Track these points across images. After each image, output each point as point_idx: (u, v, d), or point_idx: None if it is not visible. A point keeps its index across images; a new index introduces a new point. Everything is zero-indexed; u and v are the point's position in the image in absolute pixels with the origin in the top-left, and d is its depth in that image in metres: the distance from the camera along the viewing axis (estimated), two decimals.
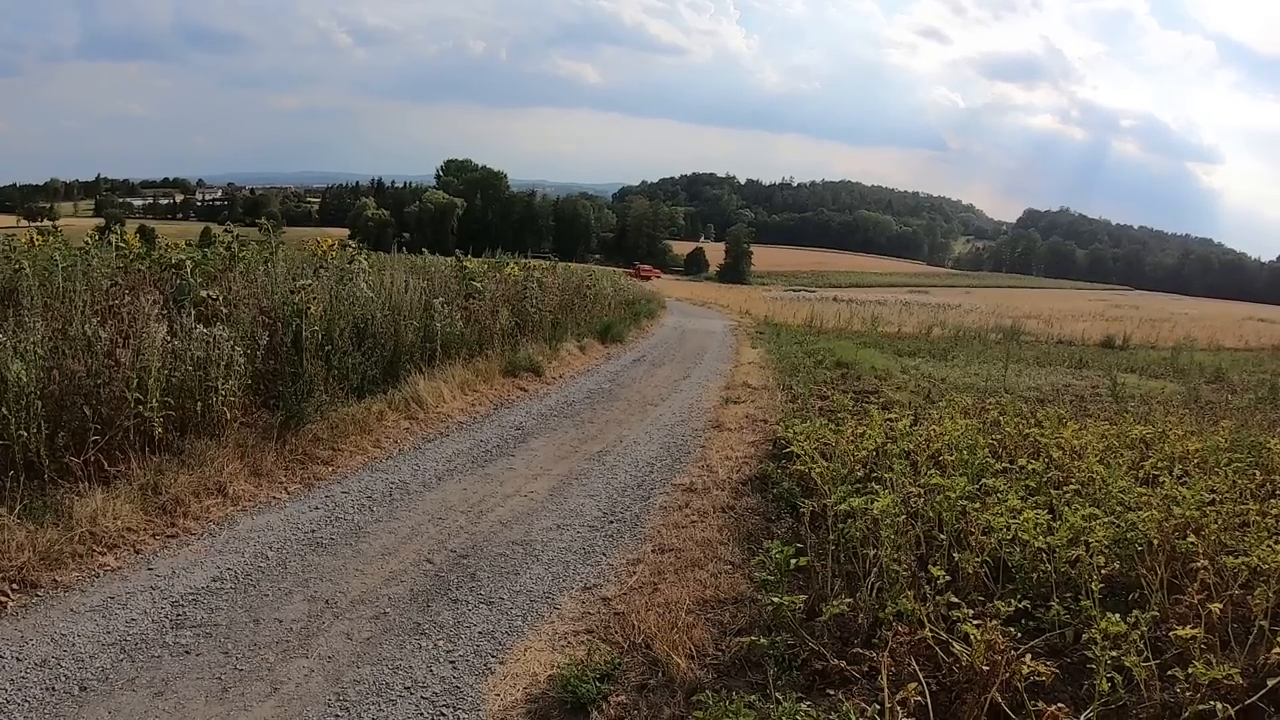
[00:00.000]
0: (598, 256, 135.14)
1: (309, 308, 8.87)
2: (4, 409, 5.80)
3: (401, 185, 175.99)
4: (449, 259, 16.95)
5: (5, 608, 4.80)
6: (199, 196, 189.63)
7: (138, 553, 5.65)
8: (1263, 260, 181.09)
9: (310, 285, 9.18)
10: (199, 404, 7.16)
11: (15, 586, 4.97)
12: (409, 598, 5.35)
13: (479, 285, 13.98)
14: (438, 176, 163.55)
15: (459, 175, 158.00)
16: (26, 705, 3.98)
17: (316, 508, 6.81)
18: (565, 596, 5.53)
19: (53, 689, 4.11)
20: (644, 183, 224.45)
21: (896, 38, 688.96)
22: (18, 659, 4.33)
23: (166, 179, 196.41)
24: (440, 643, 4.80)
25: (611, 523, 6.95)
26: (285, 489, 7.15)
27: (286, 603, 5.16)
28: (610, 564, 6.08)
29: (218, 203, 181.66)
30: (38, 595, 4.98)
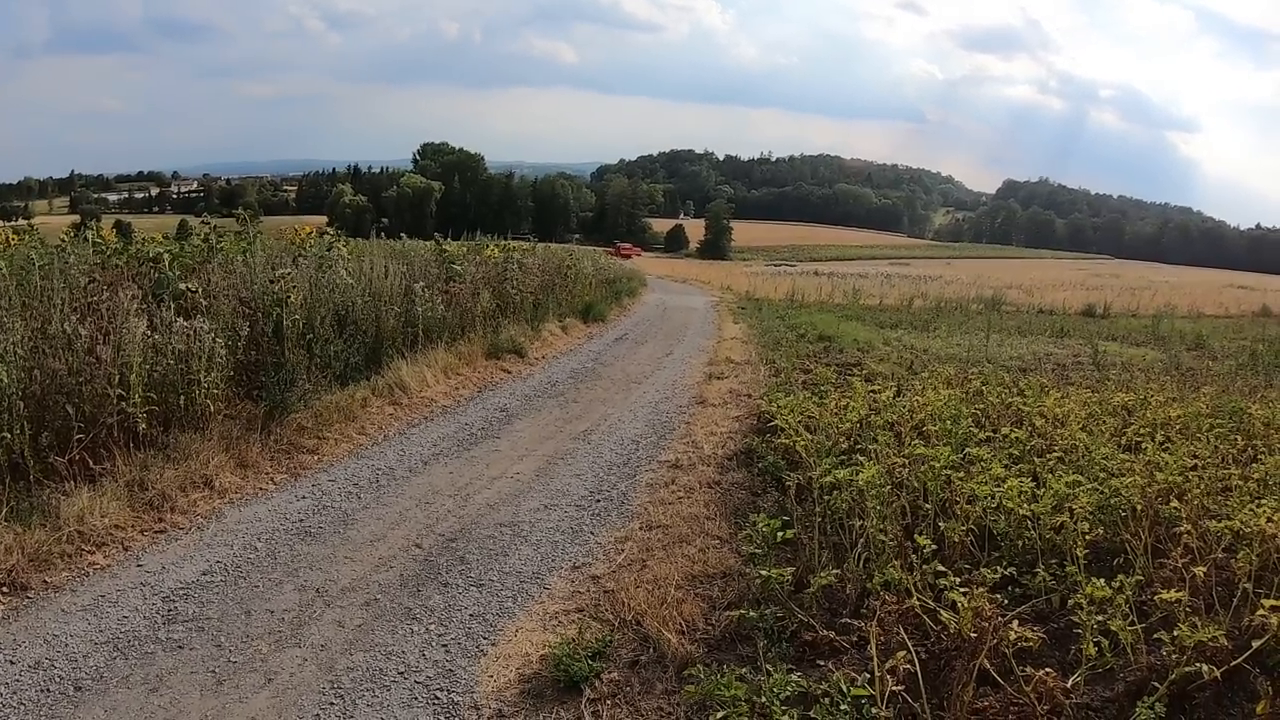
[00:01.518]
0: (577, 236, 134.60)
1: (289, 297, 8.84)
2: None
3: (378, 170, 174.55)
4: (428, 243, 16.89)
5: None
6: (175, 189, 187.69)
7: (126, 550, 5.63)
8: (1241, 228, 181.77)
9: (289, 274, 9.14)
10: (182, 398, 7.14)
11: (5, 589, 4.95)
12: (399, 583, 5.37)
13: (459, 268, 13.95)
14: (415, 160, 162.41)
15: (436, 158, 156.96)
16: (22, 708, 3.97)
17: (304, 497, 6.81)
18: (555, 576, 5.56)
19: (48, 690, 4.11)
20: (622, 161, 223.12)
21: (874, 10, 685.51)
22: (11, 662, 4.32)
23: (141, 173, 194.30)
24: (432, 627, 4.83)
25: (599, 501, 6.97)
26: (272, 479, 7.14)
27: (277, 593, 5.17)
28: (599, 542, 6.11)
29: (194, 194, 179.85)
30: (28, 597, 4.96)
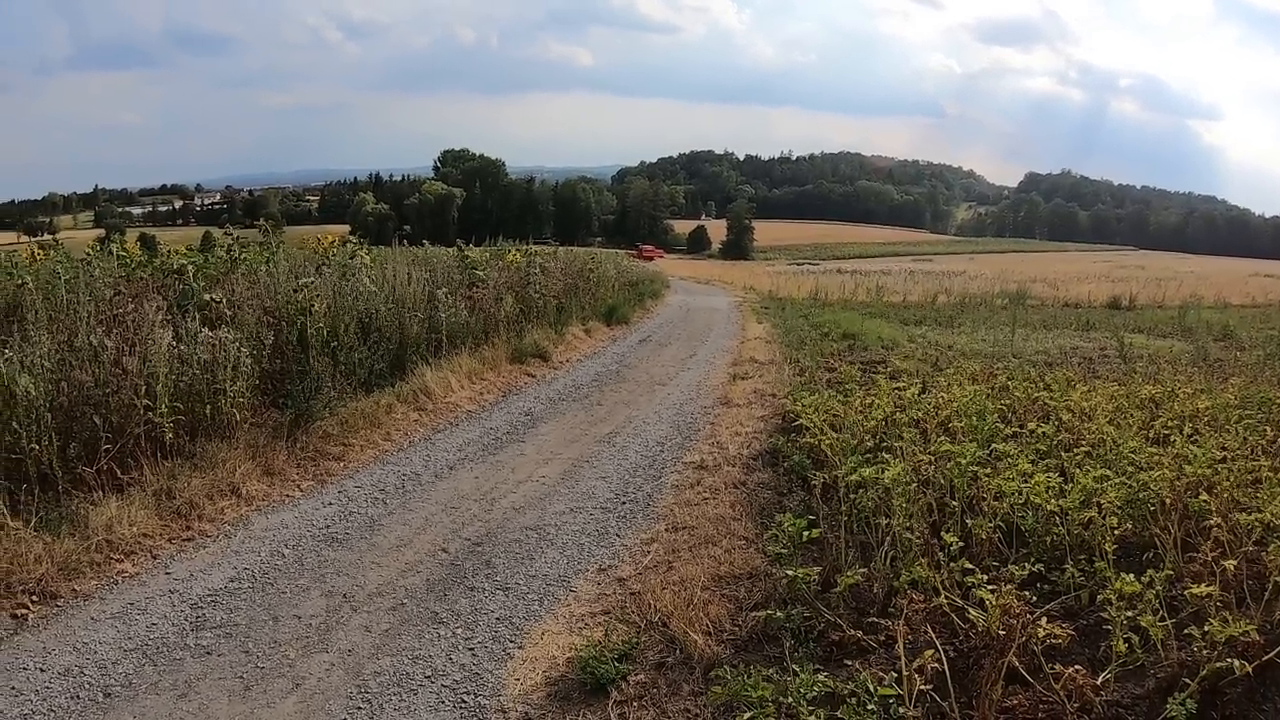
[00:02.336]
0: (599, 239, 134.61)
1: (313, 305, 8.89)
2: (14, 423, 5.84)
3: (400, 178, 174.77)
4: (450, 249, 16.92)
5: (27, 620, 4.84)
6: (198, 201, 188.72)
7: (155, 558, 5.68)
8: (1266, 216, 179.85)
9: (313, 283, 9.20)
10: (208, 407, 7.19)
11: (35, 598, 5.01)
12: (426, 588, 5.38)
13: (482, 274, 14.00)
14: (436, 168, 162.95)
15: (457, 165, 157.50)
16: (52, 715, 4.02)
17: (330, 503, 6.84)
18: (581, 579, 5.56)
19: (77, 697, 4.15)
20: (642, 163, 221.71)
21: (890, 5, 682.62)
22: (41, 669, 4.37)
23: (165, 186, 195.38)
24: (459, 631, 4.84)
25: (624, 504, 6.97)
26: (298, 486, 7.19)
27: (304, 599, 5.20)
28: (624, 544, 6.11)
29: (217, 206, 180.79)
30: (58, 605, 5.01)
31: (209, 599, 5.15)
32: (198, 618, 4.93)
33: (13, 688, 4.22)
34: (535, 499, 7.08)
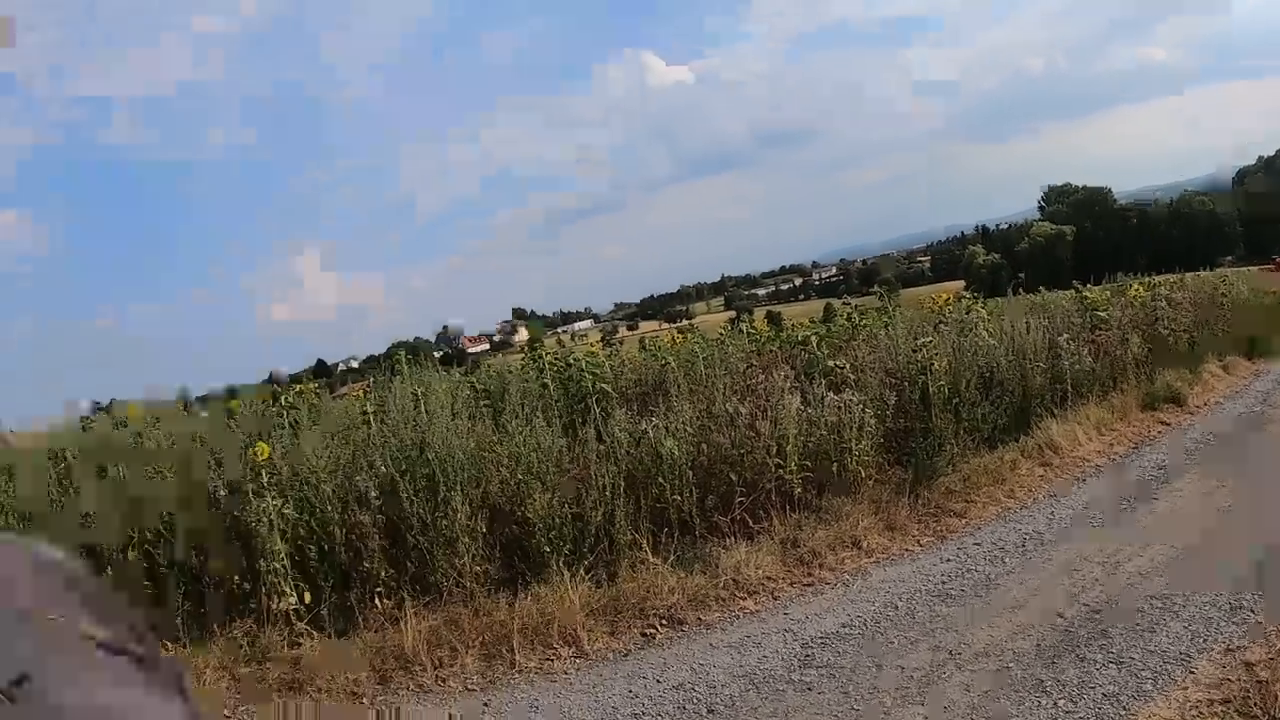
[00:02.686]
0: (1229, 258, 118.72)
1: (932, 364, 9.12)
2: (660, 478, 6.97)
3: (1006, 225, 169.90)
4: (1067, 292, 16.23)
5: (654, 638, 5.85)
6: (815, 276, 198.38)
7: (775, 599, 6.33)
8: None
9: (931, 342, 9.42)
10: (834, 465, 7.78)
11: (664, 622, 5.99)
12: (1034, 653, 5.30)
13: (1104, 314, 13.26)
14: (1041, 207, 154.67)
15: (1062, 200, 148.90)
16: (659, 719, 4.71)
17: (947, 559, 6.98)
18: (1203, 659, 5.08)
19: (683, 708, 4.87)
20: (1260, 159, 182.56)
21: None
22: (658, 680, 5.23)
23: (783, 267, 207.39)
24: (1060, 702, 4.71)
25: (1269, 574, 6.21)
26: (917, 541, 7.43)
27: (910, 651, 5.41)
28: (1259, 622, 5.45)
29: (833, 279, 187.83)
30: (682, 630, 5.90)
31: (819, 640, 5.61)
32: (805, 656, 5.41)
33: (630, 691, 5.07)
34: (1163, 564, 6.58)
